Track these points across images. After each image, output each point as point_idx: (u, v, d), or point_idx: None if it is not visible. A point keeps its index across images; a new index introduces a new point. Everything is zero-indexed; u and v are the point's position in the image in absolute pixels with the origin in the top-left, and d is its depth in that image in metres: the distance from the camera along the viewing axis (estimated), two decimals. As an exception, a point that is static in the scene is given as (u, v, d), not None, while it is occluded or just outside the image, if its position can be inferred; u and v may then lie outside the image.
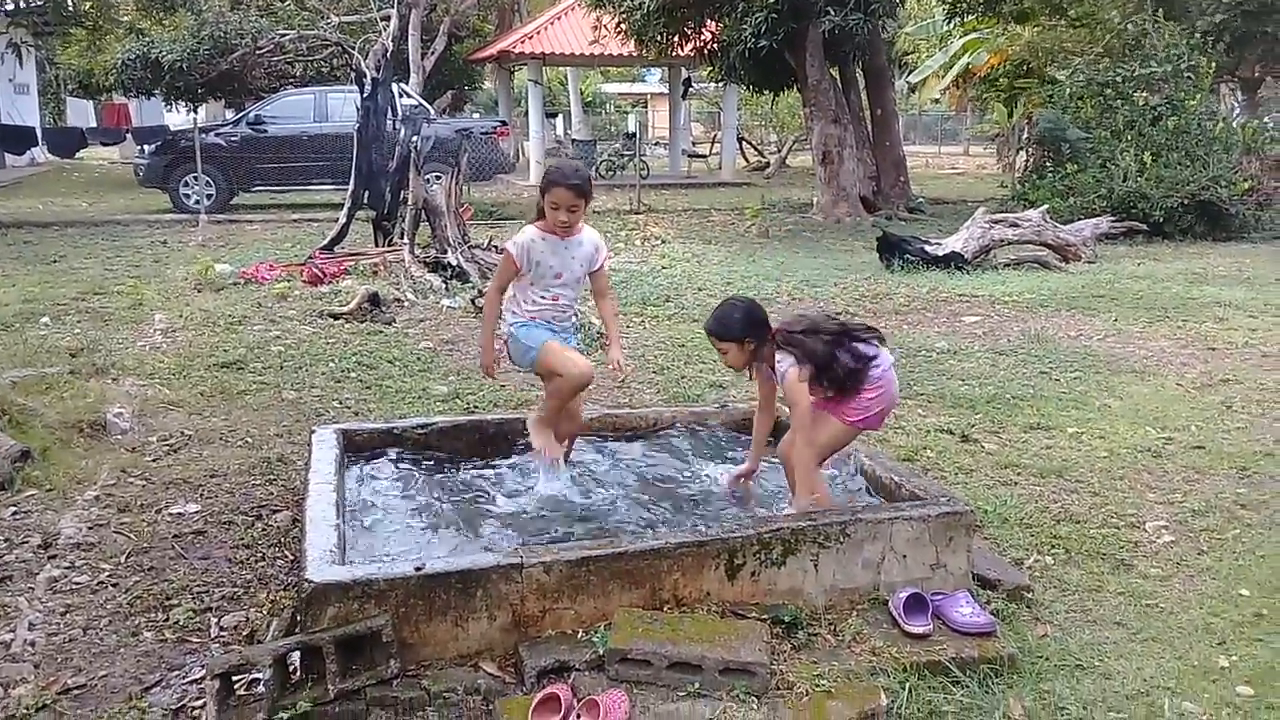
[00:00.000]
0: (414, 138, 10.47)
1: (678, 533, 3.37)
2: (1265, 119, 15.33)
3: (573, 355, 4.06)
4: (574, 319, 4.32)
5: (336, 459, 4.04)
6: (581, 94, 35.98)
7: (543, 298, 4.06)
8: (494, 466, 4.38)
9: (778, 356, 3.71)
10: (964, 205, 18.91)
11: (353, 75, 11.90)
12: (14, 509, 4.29)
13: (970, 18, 19.14)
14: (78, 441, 5.15)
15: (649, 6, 13.84)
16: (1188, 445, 5.40)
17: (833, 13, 14.02)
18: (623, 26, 15.10)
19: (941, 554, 3.52)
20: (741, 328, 3.73)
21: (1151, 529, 4.33)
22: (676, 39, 16.10)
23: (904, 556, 3.48)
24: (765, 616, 3.22)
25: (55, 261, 11.60)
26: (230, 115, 25.80)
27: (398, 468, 4.29)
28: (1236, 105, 21.48)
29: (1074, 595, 3.72)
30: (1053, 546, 4.12)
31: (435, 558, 3.24)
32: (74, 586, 3.67)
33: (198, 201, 16.36)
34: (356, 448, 4.36)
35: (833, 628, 3.29)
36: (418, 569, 3.07)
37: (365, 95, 11.09)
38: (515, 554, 3.18)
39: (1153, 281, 10.45)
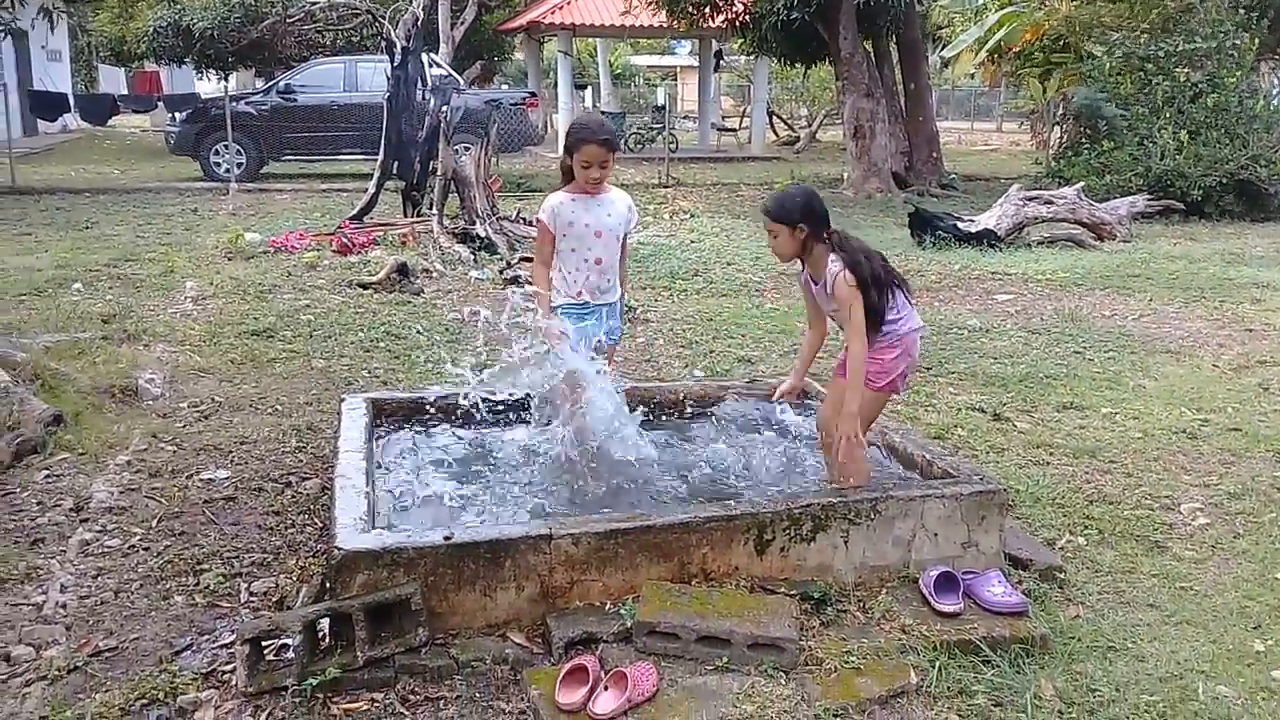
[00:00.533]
0: (443, 108, 10.43)
1: (707, 506, 3.35)
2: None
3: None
4: (618, 287, 4.20)
5: (366, 427, 4.05)
6: (611, 66, 35.78)
7: (584, 262, 4.01)
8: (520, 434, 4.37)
9: (830, 258, 3.61)
10: (997, 182, 18.70)
11: (383, 45, 11.86)
12: (46, 472, 4.32)
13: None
14: (109, 406, 5.18)
15: (681, -24, 13.74)
16: (1224, 427, 5.32)
17: (868, -16, 13.84)
18: (652, -3, 15.01)
19: (973, 533, 3.48)
20: (799, 213, 3.63)
21: (1186, 511, 4.27)
22: (707, 10, 15.95)
23: (935, 535, 3.44)
24: (794, 592, 3.20)
25: (87, 228, 11.67)
26: (260, 84, 25.89)
27: (427, 436, 4.29)
28: (1277, 83, 21.07)
29: (1107, 576, 3.67)
30: (1085, 527, 4.08)
31: (464, 526, 3.23)
32: (105, 550, 3.69)
33: (228, 170, 16.42)
34: (386, 416, 4.36)
35: (862, 604, 3.27)
36: (447, 538, 3.06)
37: (395, 65, 11.06)
38: (544, 525, 3.17)
39: (1189, 261, 10.30)
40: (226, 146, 16.46)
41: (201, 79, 27.67)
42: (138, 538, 3.79)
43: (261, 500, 4.17)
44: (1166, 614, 3.42)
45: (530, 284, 4.07)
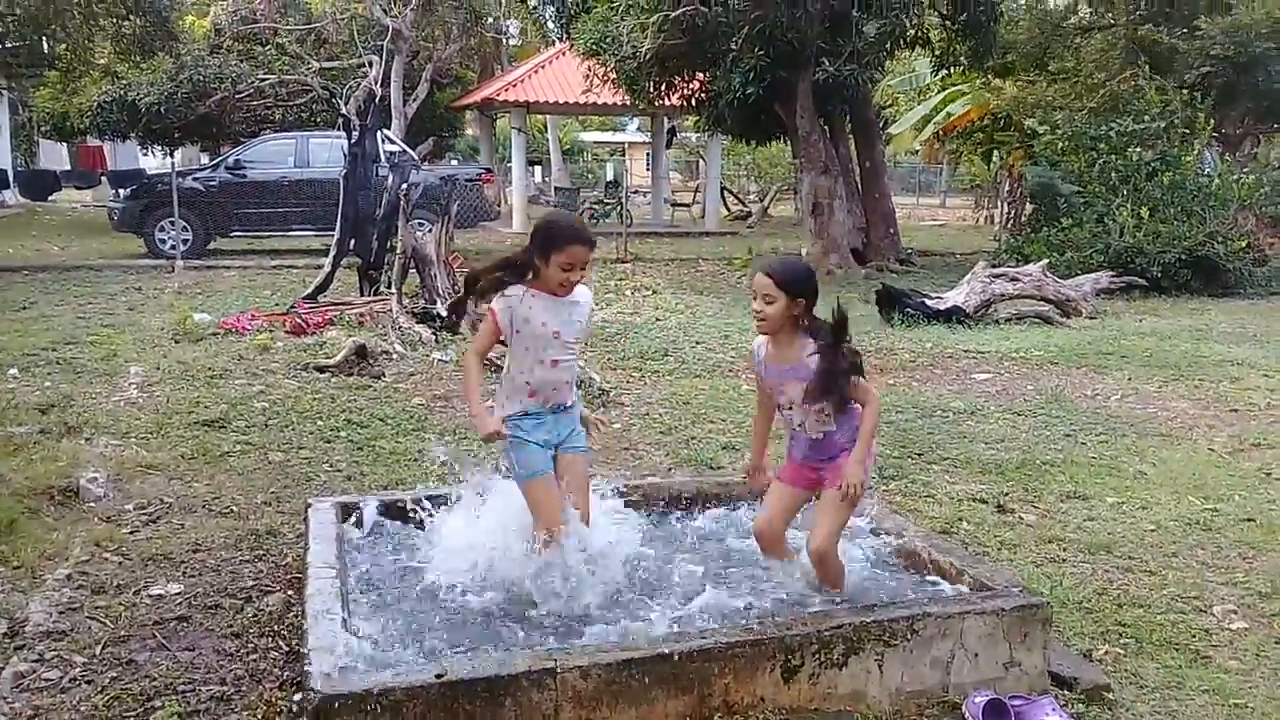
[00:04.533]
0: (404, 185, 10.15)
1: (729, 630, 3.01)
2: (1252, 175, 15.24)
3: (553, 507, 3.53)
4: (574, 390, 3.79)
5: (336, 537, 3.67)
6: (560, 142, 35.92)
7: (539, 364, 3.56)
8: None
9: (802, 341, 3.47)
10: (952, 257, 18.83)
11: (340, 121, 11.60)
12: (-25, 591, 3.87)
13: (956, 70, 19.13)
14: (48, 510, 4.74)
15: (644, 57, 13.67)
16: (1236, 518, 5.10)
17: (827, 63, 13.88)
18: (613, 76, 14.94)
19: (1016, 651, 3.18)
20: (802, 284, 3.45)
21: (1220, 614, 4.00)
22: (664, 88, 15.95)
23: (975, 655, 3.14)
24: (829, 726, 2.87)
25: (24, 308, 11.13)
26: (205, 160, 25.49)
27: (402, 543, 3.91)
28: (1212, 160, 21.58)
29: (1155, 694, 3.37)
30: (1120, 635, 3.79)
31: (458, 660, 2.86)
32: (43, 684, 3.25)
33: (173, 247, 15.99)
34: (358, 522, 3.98)
35: (903, 738, 2.93)
36: (439, 676, 2.71)
37: (353, 141, 10.78)
38: (548, 657, 2.81)
39: (1159, 338, 10.24)
40: (172, 223, 16.06)
41: (146, 154, 27.24)
42: (79, 668, 3.36)
43: (218, 619, 3.74)
44: (1228, 738, 3.13)
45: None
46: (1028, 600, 3.21)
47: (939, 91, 26.59)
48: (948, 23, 16.49)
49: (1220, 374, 8.57)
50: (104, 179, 19.22)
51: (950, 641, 3.10)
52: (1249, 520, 5.06)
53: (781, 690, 2.96)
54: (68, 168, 27.53)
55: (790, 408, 3.55)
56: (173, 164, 18.79)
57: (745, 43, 13.88)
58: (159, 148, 24.58)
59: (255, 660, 3.45)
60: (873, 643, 3.02)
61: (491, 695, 2.71)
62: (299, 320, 9.53)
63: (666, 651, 2.86)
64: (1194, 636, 3.81)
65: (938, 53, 17.39)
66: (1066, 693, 3.24)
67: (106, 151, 28.33)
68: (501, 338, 3.58)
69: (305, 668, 2.74)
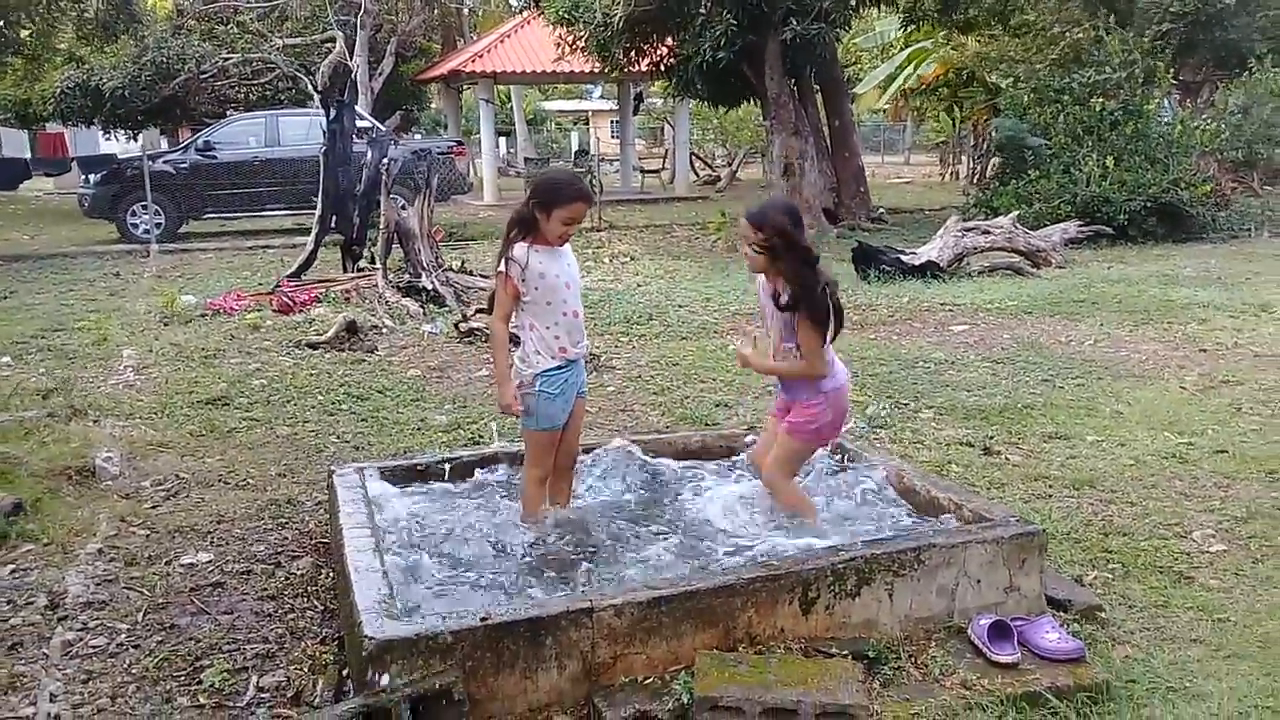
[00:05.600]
0: (383, 160, 10.21)
1: (750, 567, 3.20)
2: (1210, 121, 15.51)
3: (549, 462, 3.89)
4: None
5: (364, 499, 3.83)
6: (523, 112, 35.77)
7: (564, 316, 3.75)
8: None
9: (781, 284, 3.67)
10: (922, 214, 19.06)
11: (316, 98, 11.61)
12: (12, 567, 4.01)
13: (923, 25, 19.28)
14: (67, 490, 4.85)
15: (616, 24, 13.71)
16: (1210, 450, 5.35)
17: (795, 23, 13.98)
18: (583, 44, 14.96)
19: (1015, 576, 3.39)
20: (785, 220, 3.66)
21: (1200, 538, 4.25)
22: (634, 55, 16.00)
23: (978, 581, 3.35)
24: (846, 652, 3.07)
25: (4, 298, 11.13)
26: (167, 144, 25.22)
27: (427, 504, 4.08)
28: (1170, 108, 21.90)
29: (1143, 612, 3.61)
30: (1107, 561, 4.03)
31: (500, 605, 3.04)
32: (91, 650, 3.40)
33: (147, 231, 15.94)
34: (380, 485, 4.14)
35: (914, 660, 3.15)
36: (483, 619, 2.87)
37: (331, 119, 10.80)
38: (585, 598, 2.99)
39: (1127, 284, 10.51)
40: (144, 207, 16.00)
41: (109, 139, 26.92)
42: (124, 634, 3.51)
43: (252, 584, 3.90)
44: (1213, 649, 3.36)
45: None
46: (1024, 529, 3.42)
47: (902, 49, 26.76)
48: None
49: (1188, 316, 8.85)
50: (73, 165, 18.94)
51: (954, 570, 3.31)
52: (1222, 452, 5.32)
53: (800, 621, 3.15)
54: (30, 155, 27.12)
55: (768, 332, 3.85)
56: (142, 147, 18.63)
57: (714, 5, 13.95)
58: (122, 132, 24.29)
59: (294, 619, 3.62)
60: (883, 573, 3.22)
61: (533, 635, 2.88)
62: (285, 299, 9.61)
63: (694, 588, 3.05)
64: (1176, 560, 4.04)
65: (904, 9, 17.50)
66: (1062, 614, 3.46)
67: (67, 137, 27.98)
68: (519, 296, 3.72)
69: (355, 617, 2.90)
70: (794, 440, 3.77)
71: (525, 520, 3.85)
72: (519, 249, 3.70)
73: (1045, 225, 13.01)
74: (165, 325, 9.12)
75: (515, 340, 3.88)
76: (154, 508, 4.71)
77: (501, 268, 3.73)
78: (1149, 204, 13.51)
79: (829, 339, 3.67)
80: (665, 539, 3.75)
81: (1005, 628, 3.16)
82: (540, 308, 3.73)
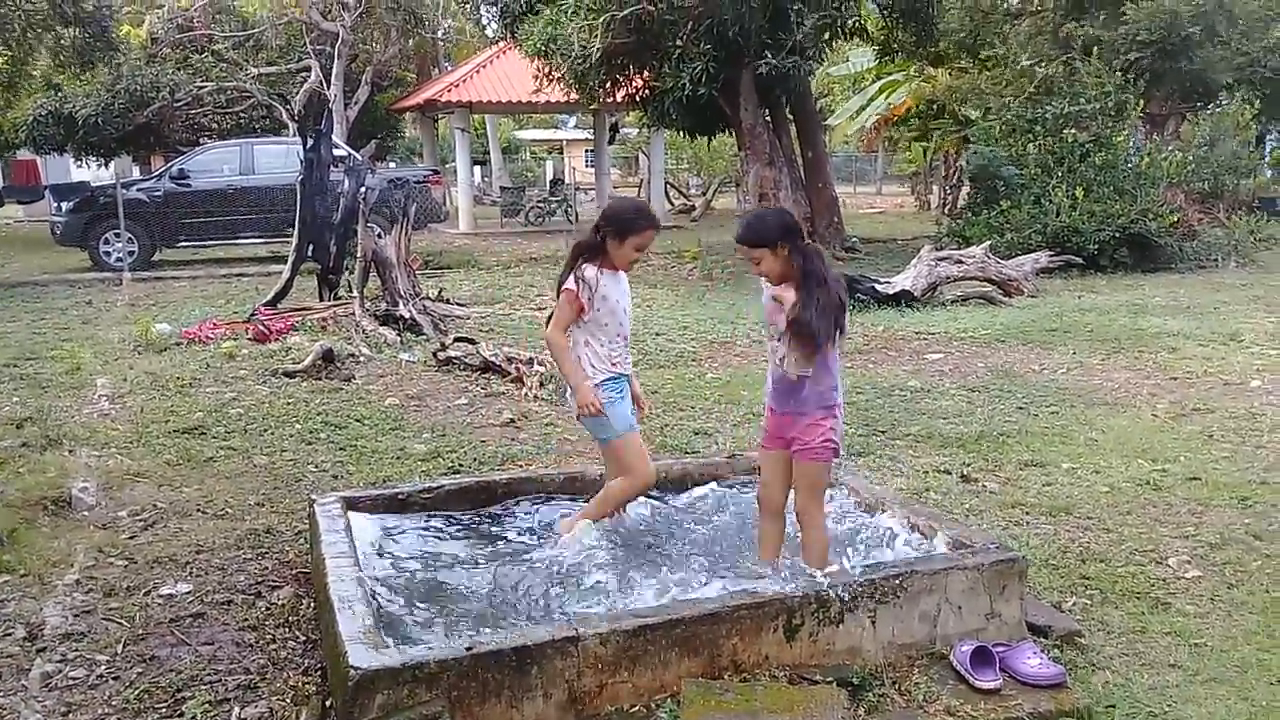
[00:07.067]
0: (360, 189, 10.23)
1: (735, 594, 3.22)
2: (1178, 153, 15.79)
3: (647, 457, 4.05)
4: None
5: (346, 529, 3.82)
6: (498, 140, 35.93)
7: (618, 337, 3.99)
8: (503, 526, 4.21)
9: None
10: (895, 244, 19.24)
11: (293, 127, 11.62)
12: (-12, 598, 3.96)
13: (897, 60, 19.57)
14: (43, 520, 4.81)
15: (593, 56, 13.82)
16: (1183, 477, 5.43)
17: (769, 55, 14.15)
18: (560, 75, 15.06)
19: (995, 603, 3.43)
20: (776, 231, 3.59)
21: (1175, 564, 4.30)
22: (610, 86, 16.11)
23: (959, 608, 3.38)
24: (830, 679, 3.09)
25: (-24, 326, 11.03)
26: (138, 172, 25.10)
27: (407, 534, 4.07)
28: (1136, 140, 22.30)
29: (1121, 638, 3.65)
30: (1085, 587, 4.07)
31: (485, 634, 3.04)
32: (71, 682, 3.37)
33: (119, 259, 15.84)
34: (360, 515, 4.13)
35: (898, 687, 3.17)
36: (469, 649, 2.88)
37: (308, 147, 10.81)
38: (569, 626, 3.00)
39: (1098, 314, 10.65)
40: (117, 235, 15.91)
41: (80, 166, 26.79)
42: (104, 666, 3.47)
43: (233, 614, 3.87)
44: (1190, 673, 3.40)
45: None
46: (1004, 555, 3.47)
47: (874, 81, 27.10)
48: (885, 12, 16.85)
49: (1159, 345, 8.98)
50: (46, 193, 18.83)
51: (936, 596, 3.34)
52: (1195, 479, 5.39)
53: (784, 649, 3.17)
54: (1, 183, 26.92)
55: (778, 338, 3.68)
56: (116, 176, 18.55)
57: (690, 38, 14.09)
58: (93, 159, 24.19)
59: (275, 650, 3.59)
60: (866, 600, 3.25)
61: (519, 664, 2.89)
62: (261, 327, 9.57)
63: (679, 616, 3.06)
64: (1153, 585, 4.10)
65: (878, 43, 17.74)
66: (1042, 640, 3.49)
67: (39, 165, 27.80)
68: (583, 312, 3.86)
69: (340, 647, 2.89)
70: (817, 464, 3.61)
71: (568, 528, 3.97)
72: (590, 270, 3.88)
73: (1017, 255, 13.18)
74: (140, 354, 9.06)
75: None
76: (132, 538, 4.67)
77: (570, 285, 3.89)
78: (1118, 234, 13.72)
79: (834, 342, 3.58)
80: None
81: (987, 654, 3.20)
82: (599, 327, 3.93)
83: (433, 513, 4.23)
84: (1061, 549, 4.47)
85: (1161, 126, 19.88)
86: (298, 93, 19.07)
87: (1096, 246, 13.75)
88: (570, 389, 4.00)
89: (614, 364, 3.97)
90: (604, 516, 3.99)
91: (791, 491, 3.72)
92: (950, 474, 5.53)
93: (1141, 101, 15.54)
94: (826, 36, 15.82)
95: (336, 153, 14.50)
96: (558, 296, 3.95)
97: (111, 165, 25.14)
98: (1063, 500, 5.09)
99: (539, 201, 25.07)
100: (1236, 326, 9.72)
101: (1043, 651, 3.33)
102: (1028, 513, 4.95)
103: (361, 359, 8.67)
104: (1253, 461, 5.69)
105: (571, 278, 3.89)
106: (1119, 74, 15.59)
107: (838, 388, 3.68)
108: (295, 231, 10.91)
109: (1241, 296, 11.78)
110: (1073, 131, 14.61)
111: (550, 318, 4.06)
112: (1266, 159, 24.99)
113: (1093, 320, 10.23)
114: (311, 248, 10.89)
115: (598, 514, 3.98)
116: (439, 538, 4.08)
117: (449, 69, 28.04)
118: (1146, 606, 3.91)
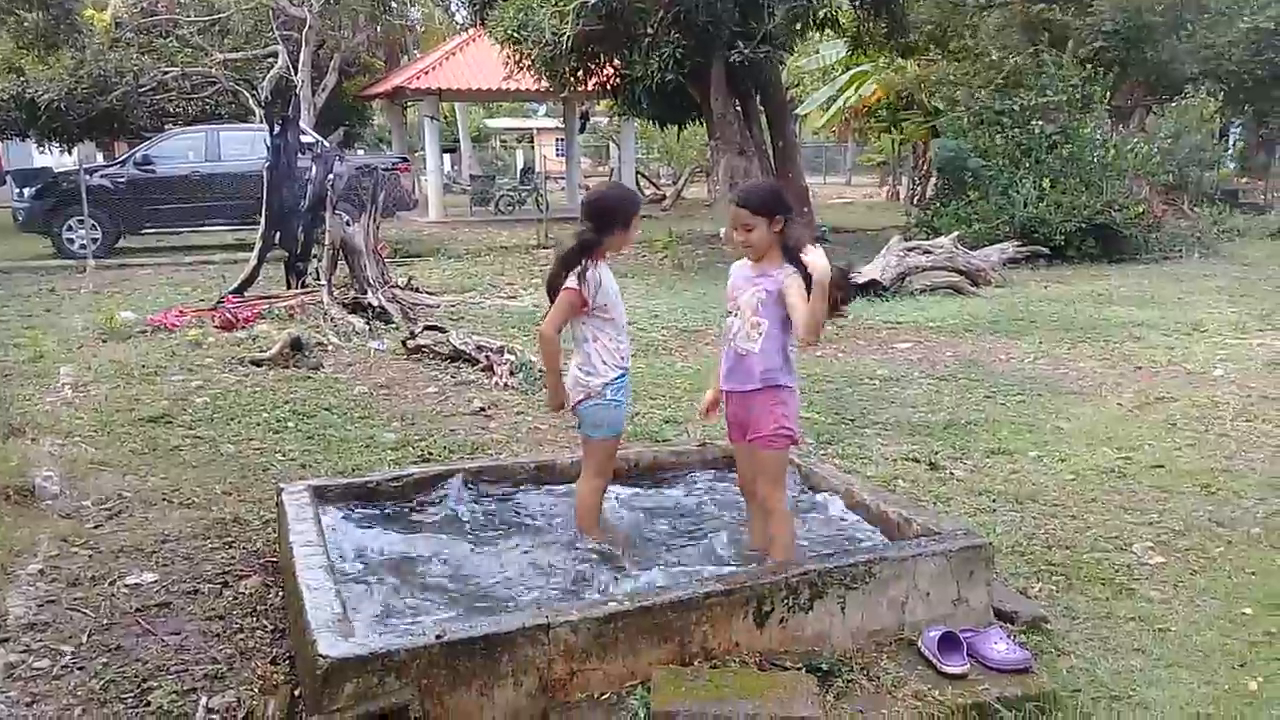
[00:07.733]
0: (329, 176, 10.14)
1: (705, 581, 3.23)
2: (1143, 145, 15.96)
3: (611, 465, 4.06)
4: None
5: (314, 518, 3.79)
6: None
7: (624, 328, 3.95)
8: (470, 515, 4.20)
9: (780, 264, 3.54)
10: (864, 234, 19.32)
11: (260, 113, 11.50)
12: (-51, 589, 3.90)
13: (867, 51, 19.62)
14: (6, 510, 4.73)
15: (564, 44, 13.76)
16: (1147, 465, 5.50)
17: (741, 45, 14.14)
18: (529, 62, 14.99)
19: (963, 589, 3.46)
20: (775, 202, 3.56)
21: (1139, 551, 4.36)
22: (581, 74, 16.06)
23: (927, 594, 3.41)
24: (800, 665, 3.10)
25: (-64, 313, 10.85)
26: (102, 158, 24.77)
27: (374, 523, 4.05)
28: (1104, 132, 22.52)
29: (1086, 623, 3.70)
30: (1051, 574, 4.12)
31: (456, 622, 3.03)
32: (35, 673, 3.32)
33: (83, 246, 15.64)
34: (328, 504, 4.11)
35: (866, 672, 3.19)
36: (439, 636, 2.87)
37: (275, 134, 10.70)
38: (540, 614, 3.00)
39: (1064, 304, 10.76)
40: (81, 221, 15.70)
41: (43, 152, 26.37)
42: (69, 656, 3.43)
43: (199, 604, 3.83)
44: (1154, 658, 3.45)
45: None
46: (971, 542, 3.50)
47: (844, 71, 27.18)
48: (856, 3, 16.88)
49: (1123, 335, 9.08)
50: (7, 178, 18.55)
51: (904, 583, 3.36)
52: (1159, 467, 5.46)
53: (755, 635, 3.18)
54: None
55: (733, 313, 3.67)
56: (79, 161, 18.29)
57: (661, 27, 14.07)
58: (56, 145, 23.82)
59: (243, 639, 3.56)
60: (835, 587, 3.27)
61: (489, 652, 2.88)
62: (228, 315, 9.48)
63: (650, 604, 3.07)
64: (1118, 572, 4.15)
65: (850, 34, 17.77)
66: (1009, 625, 3.53)
67: (0, 150, 27.37)
68: (585, 306, 3.80)
69: (309, 635, 2.87)
70: (772, 452, 3.62)
71: (586, 532, 3.92)
72: (592, 269, 3.81)
73: (984, 245, 13.28)
74: (104, 342, 8.94)
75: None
76: (96, 527, 4.61)
77: (573, 283, 3.80)
78: (1084, 225, 13.85)
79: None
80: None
81: (955, 639, 3.22)
82: (604, 320, 3.87)
83: (402, 501, 4.20)
84: (1028, 536, 4.51)
85: (1127, 119, 20.08)
86: (264, 78, 18.79)
87: (1063, 237, 13.89)
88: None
89: (623, 357, 3.92)
90: (595, 519, 3.97)
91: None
92: (919, 462, 5.57)
93: (1108, 94, 15.67)
94: (798, 26, 15.84)
95: (304, 139, 14.38)
96: (550, 296, 3.89)
97: (75, 151, 24.77)
98: (1029, 488, 5.14)
99: (509, 190, 24.97)
100: (1200, 316, 9.85)
101: (1009, 637, 3.36)
102: (995, 500, 4.99)
103: (330, 347, 8.61)
104: (1215, 449, 5.77)
105: (573, 277, 3.80)
106: (1086, 65, 15.70)
107: (790, 372, 3.63)
108: (262, 219, 10.79)
109: (1205, 287, 11.93)
110: (1040, 123, 14.72)
111: (546, 315, 3.95)
112: (1230, 152, 25.34)
113: (1059, 310, 10.33)
114: (279, 235, 10.79)
115: (594, 521, 3.95)
116: (408, 526, 4.05)
117: (418, 56, 27.84)
118: (1111, 592, 3.96)
